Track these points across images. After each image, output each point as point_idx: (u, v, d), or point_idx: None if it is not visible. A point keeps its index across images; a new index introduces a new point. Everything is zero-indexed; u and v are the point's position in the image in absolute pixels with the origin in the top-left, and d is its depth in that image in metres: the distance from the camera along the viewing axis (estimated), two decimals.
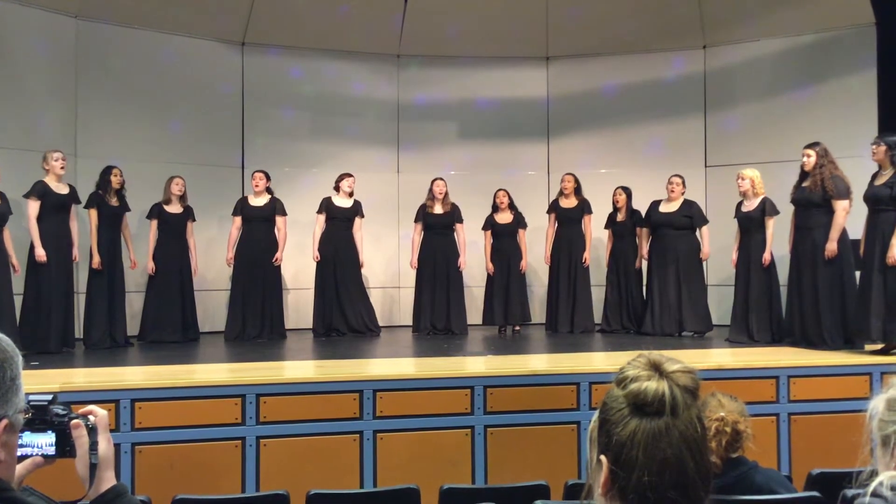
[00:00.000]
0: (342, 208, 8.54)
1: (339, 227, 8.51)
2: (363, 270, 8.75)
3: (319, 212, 8.54)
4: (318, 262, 8.48)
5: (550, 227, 8.88)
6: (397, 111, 9.96)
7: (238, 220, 8.36)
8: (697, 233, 8.18)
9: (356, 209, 8.59)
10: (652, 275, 8.27)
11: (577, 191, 8.82)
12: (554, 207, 8.90)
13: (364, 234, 8.71)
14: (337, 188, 8.60)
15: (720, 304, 8.48)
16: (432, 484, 3.69)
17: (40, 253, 6.90)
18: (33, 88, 7.91)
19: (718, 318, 8.26)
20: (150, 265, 7.96)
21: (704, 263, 8.32)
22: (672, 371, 1.23)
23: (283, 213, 8.38)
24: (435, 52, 9.86)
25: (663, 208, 8.25)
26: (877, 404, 1.68)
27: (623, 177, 9.10)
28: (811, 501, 2.98)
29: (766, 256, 7.35)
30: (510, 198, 8.82)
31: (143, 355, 7.04)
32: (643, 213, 8.62)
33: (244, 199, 8.48)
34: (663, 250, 8.17)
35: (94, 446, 1.63)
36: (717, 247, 8.30)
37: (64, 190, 7.18)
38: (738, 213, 7.64)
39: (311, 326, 8.59)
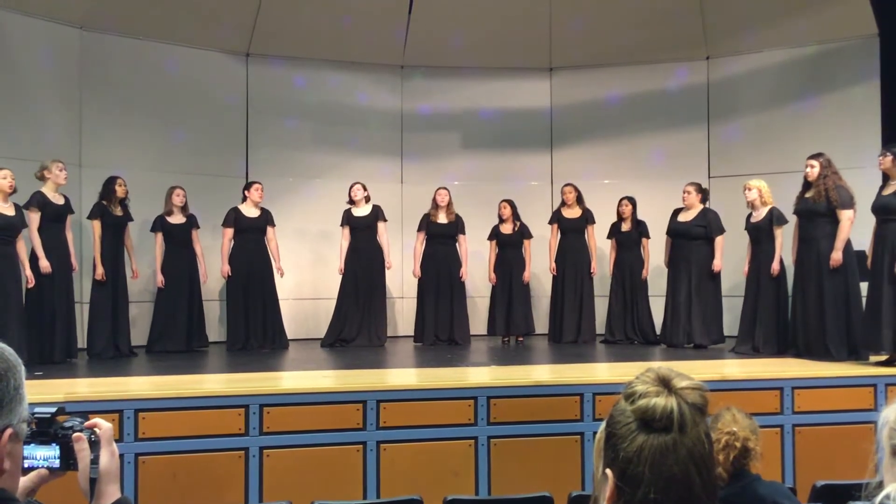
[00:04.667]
0: (361, 217, 8.51)
1: (362, 237, 8.48)
2: (391, 272, 8.74)
3: (342, 225, 8.51)
4: (343, 275, 8.45)
5: (553, 238, 8.87)
6: (401, 121, 9.98)
7: (230, 231, 8.25)
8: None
9: (376, 214, 8.54)
10: (669, 285, 8.20)
11: (579, 201, 8.82)
12: (557, 218, 8.89)
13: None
14: (351, 201, 8.57)
15: (726, 315, 8.41)
16: (436, 495, 3.68)
17: (45, 263, 6.87)
18: (38, 99, 7.95)
19: (727, 329, 8.14)
20: (160, 278, 7.92)
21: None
22: (681, 387, 1.23)
23: (273, 224, 8.37)
24: (438, 62, 9.88)
25: (681, 217, 8.19)
26: (889, 414, 1.63)
27: (626, 187, 9.07)
28: None
29: (775, 266, 7.33)
30: (513, 209, 8.81)
31: (147, 365, 7.03)
32: (648, 224, 8.61)
33: (237, 210, 8.32)
34: (678, 260, 8.09)
35: (94, 460, 1.62)
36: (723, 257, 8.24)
37: (60, 200, 7.19)
38: (748, 225, 7.62)
39: (314, 336, 8.58)
